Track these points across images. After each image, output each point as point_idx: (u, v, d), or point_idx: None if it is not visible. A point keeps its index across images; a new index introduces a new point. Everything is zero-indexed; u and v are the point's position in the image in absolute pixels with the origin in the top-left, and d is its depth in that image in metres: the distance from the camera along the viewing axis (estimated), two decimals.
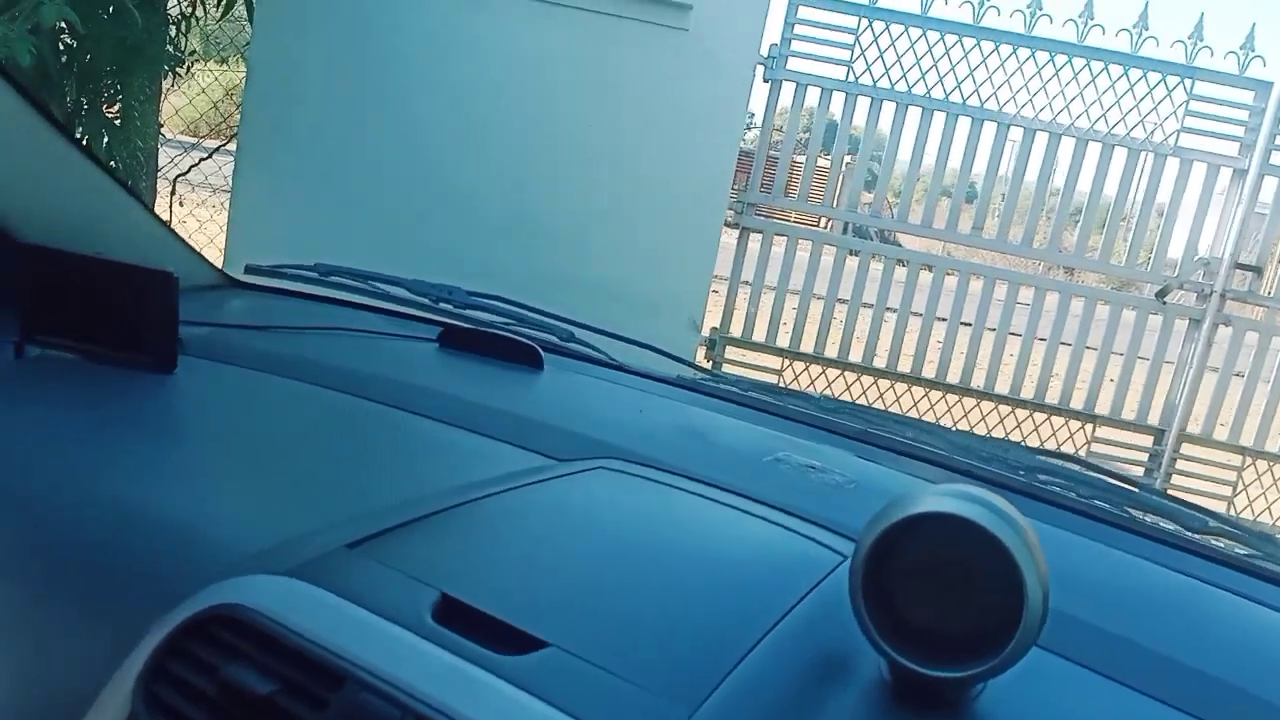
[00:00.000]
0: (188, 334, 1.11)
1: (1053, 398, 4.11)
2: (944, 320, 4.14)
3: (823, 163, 4.54)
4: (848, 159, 4.42)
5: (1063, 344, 4.04)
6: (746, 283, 4.18)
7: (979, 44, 3.87)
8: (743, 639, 0.66)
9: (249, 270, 1.39)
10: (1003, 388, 4.10)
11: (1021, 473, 1.08)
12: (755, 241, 4.12)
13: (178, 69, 3.43)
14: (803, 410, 1.15)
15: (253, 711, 0.60)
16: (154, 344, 1.08)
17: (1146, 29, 3.80)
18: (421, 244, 3.35)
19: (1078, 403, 4.09)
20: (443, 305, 1.37)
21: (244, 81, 3.63)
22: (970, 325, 4.07)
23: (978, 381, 4.13)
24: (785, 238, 4.15)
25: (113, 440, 0.95)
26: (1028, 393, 4.12)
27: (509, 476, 0.91)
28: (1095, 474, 1.11)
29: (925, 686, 0.62)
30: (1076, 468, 1.14)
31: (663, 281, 3.52)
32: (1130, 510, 1.06)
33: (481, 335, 1.24)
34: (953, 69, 3.90)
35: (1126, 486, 1.13)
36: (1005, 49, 3.86)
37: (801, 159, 4.20)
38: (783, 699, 0.62)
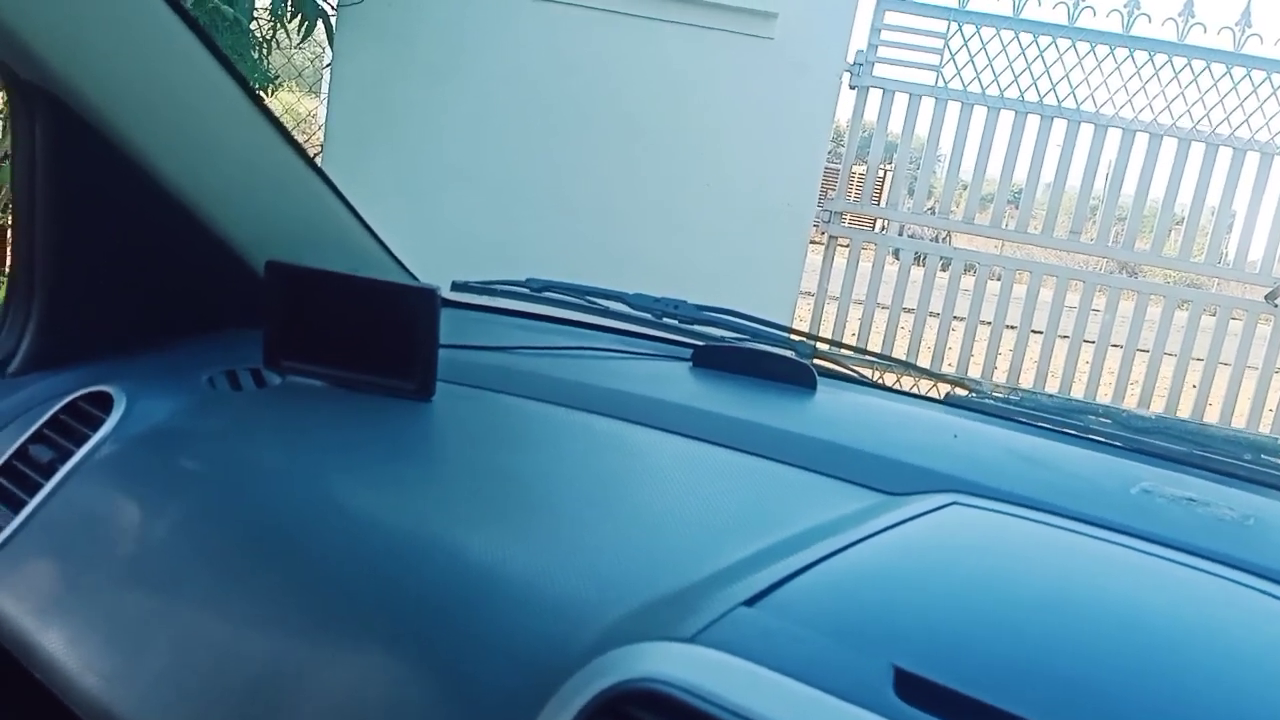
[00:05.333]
0: None
1: (1157, 407, 3.97)
2: (1039, 333, 4.00)
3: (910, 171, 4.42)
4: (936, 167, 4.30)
5: (1166, 354, 3.90)
6: (834, 297, 4.06)
7: (1074, 45, 3.75)
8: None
9: (455, 287, 1.28)
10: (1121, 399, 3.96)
11: None
12: (842, 256, 4.01)
13: (263, 92, 3.36)
14: (1114, 430, 1.04)
15: None
16: (413, 368, 0.97)
17: (1249, 26, 3.68)
18: (508, 255, 3.28)
19: (1184, 413, 3.95)
20: (666, 320, 1.26)
21: (326, 102, 3.57)
22: (1067, 338, 3.94)
23: (1100, 397, 3.99)
24: (874, 246, 4.03)
25: (399, 476, 0.84)
26: (1130, 404, 3.98)
27: (858, 516, 0.79)
28: None
29: None
30: None
31: (750, 293, 3.41)
32: None
33: (743, 353, 1.13)
34: (1047, 71, 3.78)
35: None
36: (1102, 49, 3.74)
37: (889, 167, 4.09)
38: None
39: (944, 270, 4.02)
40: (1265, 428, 3.92)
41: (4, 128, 3.45)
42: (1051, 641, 0.61)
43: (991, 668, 0.57)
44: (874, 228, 4.66)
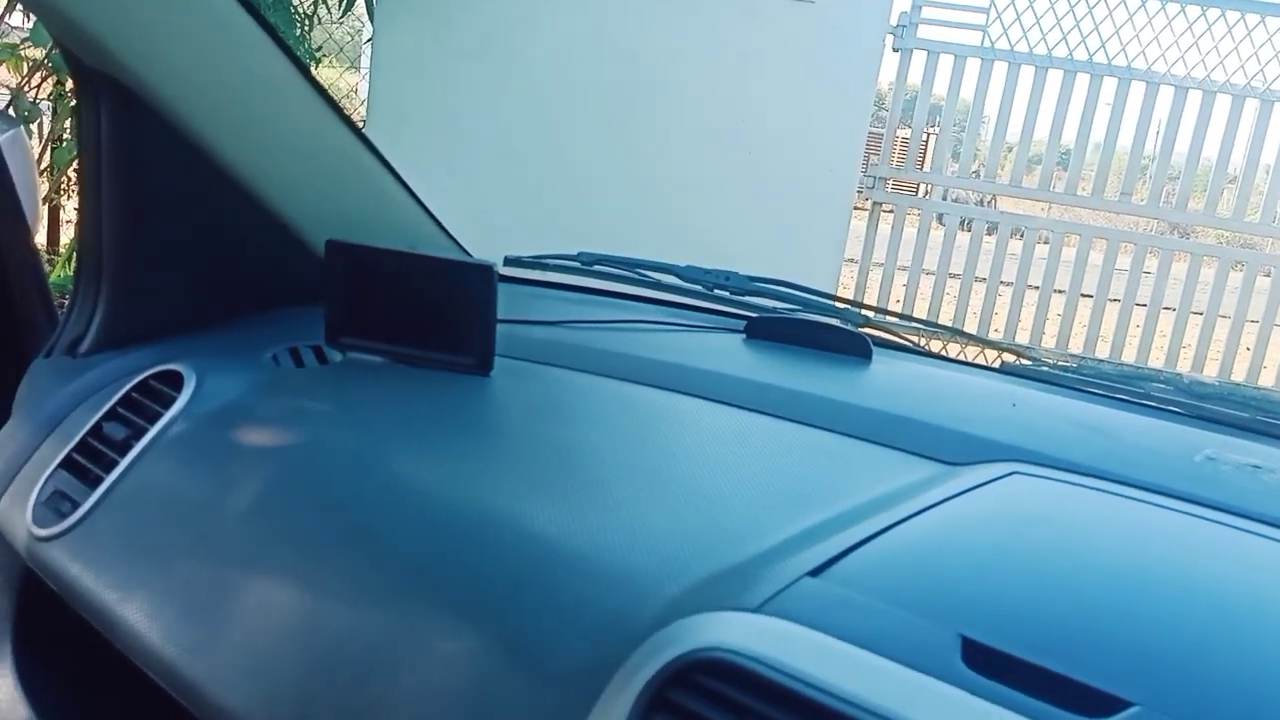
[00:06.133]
0: None
1: (1211, 372, 3.90)
2: (1090, 296, 3.94)
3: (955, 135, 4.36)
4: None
5: (1220, 317, 3.83)
6: (879, 264, 4.02)
7: (1124, 1, 3.66)
8: None
9: (508, 261, 1.29)
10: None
11: None
12: (886, 222, 3.96)
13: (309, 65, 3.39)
14: (1175, 397, 1.02)
15: None
16: (472, 343, 0.98)
17: None
18: (552, 227, 3.29)
19: (1238, 376, 3.88)
20: (718, 292, 1.26)
21: (367, 77, 3.59)
22: (1118, 301, 3.87)
23: (1151, 361, 3.93)
24: (919, 212, 3.98)
25: (463, 451, 0.85)
26: (1183, 368, 3.91)
27: (919, 486, 0.79)
28: None
29: None
30: None
31: (794, 260, 3.39)
32: None
33: (796, 324, 1.13)
34: (1096, 28, 3.70)
35: None
36: (1154, 4, 3.65)
37: (934, 131, 4.03)
38: None
39: (990, 235, 3.96)
40: None
41: (53, 113, 3.51)
42: (1117, 610, 0.61)
43: (1058, 636, 0.57)
44: (918, 193, 4.60)
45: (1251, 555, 0.71)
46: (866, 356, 1.09)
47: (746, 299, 1.25)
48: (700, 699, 0.55)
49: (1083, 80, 3.74)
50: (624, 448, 0.86)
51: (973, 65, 3.80)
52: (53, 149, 3.52)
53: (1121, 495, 0.78)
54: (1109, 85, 3.73)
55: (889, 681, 0.54)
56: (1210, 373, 3.89)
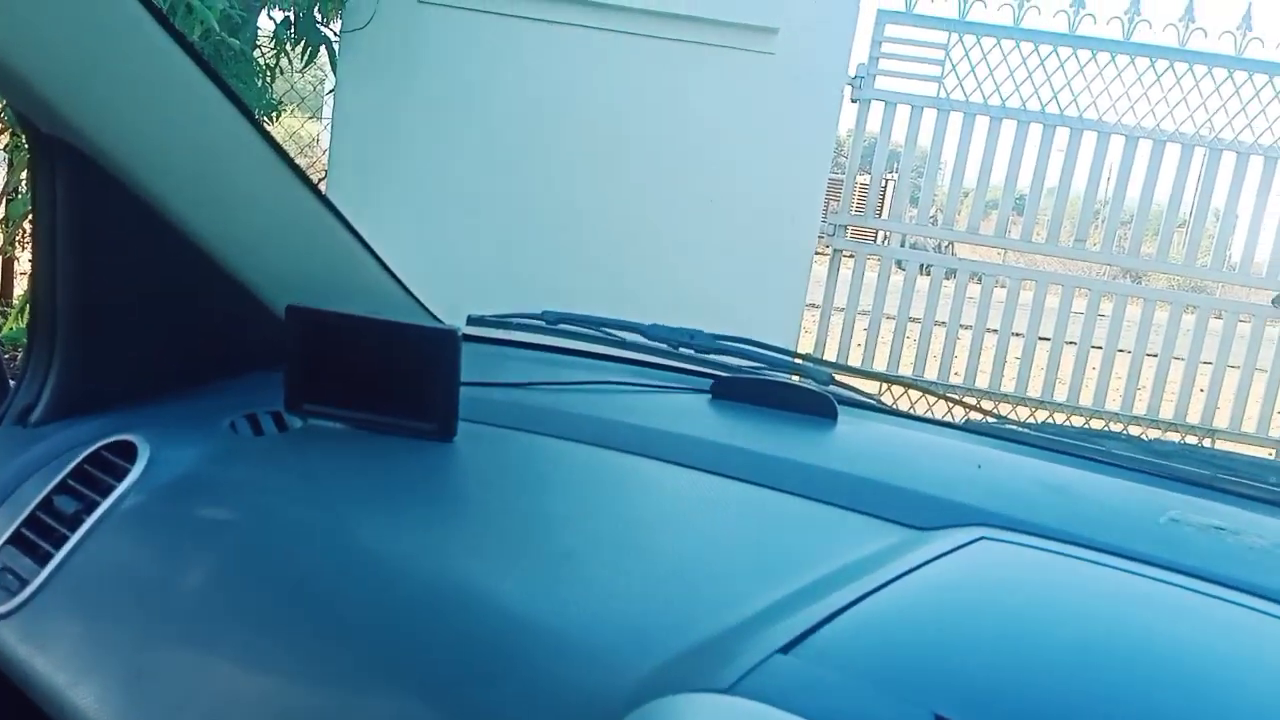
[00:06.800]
0: None
1: (1167, 413, 3.96)
2: (1047, 339, 4.00)
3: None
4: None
5: (1174, 358, 3.90)
6: (840, 309, 4.06)
7: (1075, 53, 3.76)
8: None
9: (471, 321, 1.28)
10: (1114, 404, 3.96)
11: None
12: (847, 268, 4.01)
13: (267, 118, 3.37)
14: (1138, 456, 1.03)
15: None
16: (435, 409, 0.97)
17: (1250, 30, 3.68)
18: (514, 277, 3.29)
19: (1193, 417, 3.94)
20: (683, 350, 1.25)
21: (329, 126, 3.58)
22: (1074, 344, 3.94)
23: (1108, 403, 3.98)
24: (879, 258, 4.03)
25: (427, 522, 0.83)
26: (1139, 409, 3.97)
27: (888, 554, 0.79)
28: None
29: None
30: None
31: (756, 308, 3.42)
32: None
33: (762, 384, 1.13)
34: (1048, 79, 3.79)
35: None
36: (1104, 56, 3.75)
37: (892, 178, 4.09)
38: None
39: (949, 280, 4.01)
40: (1276, 431, 3.91)
41: (9, 165, 3.46)
42: (1089, 685, 0.61)
43: (1029, 712, 0.57)
44: (877, 239, 4.66)
45: (1219, 621, 0.71)
46: (832, 417, 1.09)
47: (711, 357, 1.25)
48: None
49: (1036, 129, 3.83)
50: (591, 516, 0.85)
51: (929, 115, 3.87)
52: (8, 201, 3.47)
53: (1089, 560, 0.78)
54: (1061, 134, 3.81)
55: None
56: (1166, 413, 3.95)
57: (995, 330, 3.97)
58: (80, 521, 0.86)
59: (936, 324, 3.99)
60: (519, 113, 3.37)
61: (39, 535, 0.87)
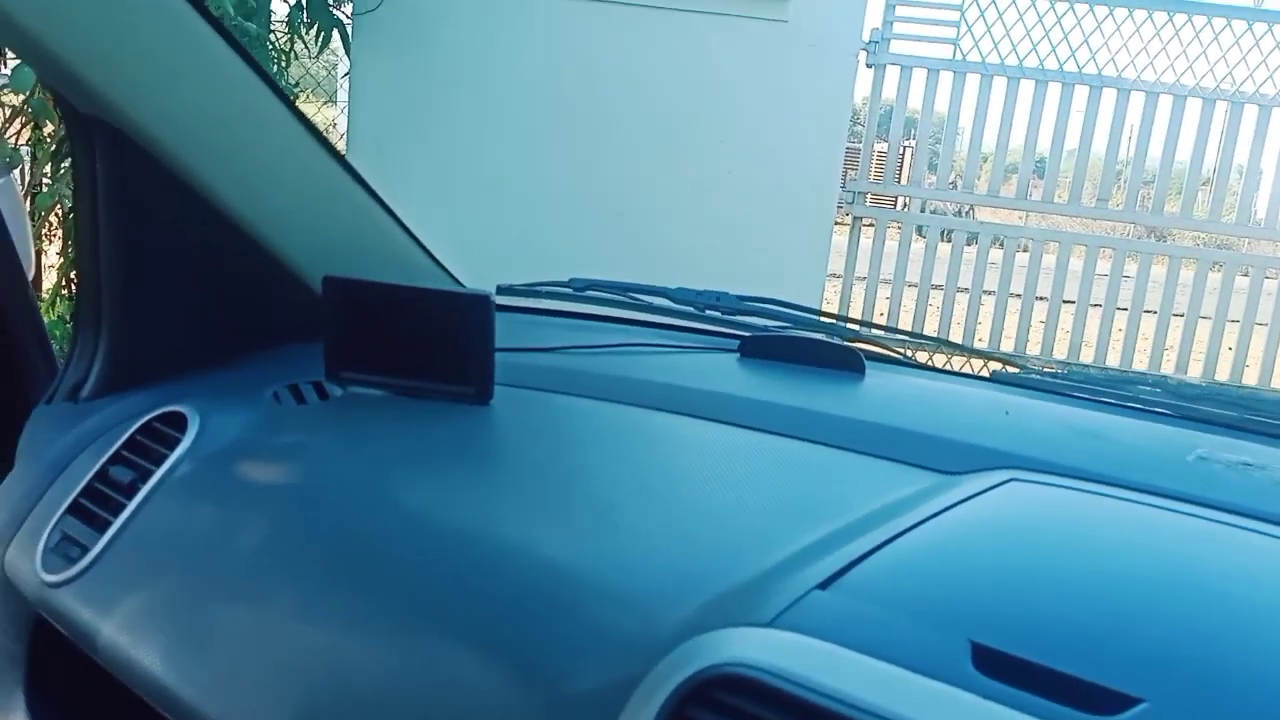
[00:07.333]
0: None
1: (1195, 373, 3.94)
2: (1072, 302, 3.98)
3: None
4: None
5: (1201, 318, 3.87)
6: (861, 278, 4.06)
7: (1092, 9, 3.72)
8: None
9: (501, 290, 1.30)
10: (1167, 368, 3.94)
11: None
12: (867, 236, 4.00)
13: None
14: (1164, 399, 1.04)
15: None
16: (471, 373, 0.99)
17: None
18: (537, 251, 3.30)
19: (1222, 376, 3.92)
20: (709, 312, 1.27)
21: (345, 110, 3.60)
22: (1100, 306, 3.92)
23: (1135, 365, 3.96)
24: (899, 225, 4.02)
25: (470, 480, 0.86)
26: (1168, 370, 3.95)
27: (919, 497, 0.80)
28: None
29: None
30: None
31: (778, 277, 3.41)
32: None
33: (789, 342, 1.15)
34: (1065, 38, 3.76)
35: None
36: (1121, 12, 3.71)
37: (910, 144, 4.08)
38: None
39: (970, 245, 4.00)
40: None
41: (32, 158, 3.50)
42: (1120, 610, 0.62)
43: (1064, 638, 0.58)
44: (896, 206, 4.64)
45: (1248, 551, 0.73)
46: (860, 371, 1.11)
47: (738, 318, 1.26)
48: (719, 714, 0.56)
49: (1054, 89, 3.80)
50: (628, 470, 0.88)
51: (945, 78, 3.85)
52: (34, 195, 3.51)
53: (1118, 497, 0.80)
54: (1080, 93, 3.78)
55: (903, 689, 0.55)
56: (1194, 373, 3.93)
57: (1019, 295, 3.95)
58: (136, 490, 0.89)
59: (959, 290, 3.98)
60: (534, 87, 3.37)
61: (97, 504, 0.90)
